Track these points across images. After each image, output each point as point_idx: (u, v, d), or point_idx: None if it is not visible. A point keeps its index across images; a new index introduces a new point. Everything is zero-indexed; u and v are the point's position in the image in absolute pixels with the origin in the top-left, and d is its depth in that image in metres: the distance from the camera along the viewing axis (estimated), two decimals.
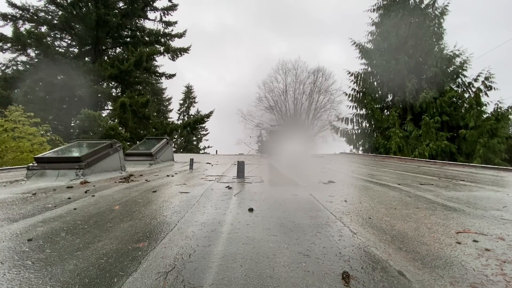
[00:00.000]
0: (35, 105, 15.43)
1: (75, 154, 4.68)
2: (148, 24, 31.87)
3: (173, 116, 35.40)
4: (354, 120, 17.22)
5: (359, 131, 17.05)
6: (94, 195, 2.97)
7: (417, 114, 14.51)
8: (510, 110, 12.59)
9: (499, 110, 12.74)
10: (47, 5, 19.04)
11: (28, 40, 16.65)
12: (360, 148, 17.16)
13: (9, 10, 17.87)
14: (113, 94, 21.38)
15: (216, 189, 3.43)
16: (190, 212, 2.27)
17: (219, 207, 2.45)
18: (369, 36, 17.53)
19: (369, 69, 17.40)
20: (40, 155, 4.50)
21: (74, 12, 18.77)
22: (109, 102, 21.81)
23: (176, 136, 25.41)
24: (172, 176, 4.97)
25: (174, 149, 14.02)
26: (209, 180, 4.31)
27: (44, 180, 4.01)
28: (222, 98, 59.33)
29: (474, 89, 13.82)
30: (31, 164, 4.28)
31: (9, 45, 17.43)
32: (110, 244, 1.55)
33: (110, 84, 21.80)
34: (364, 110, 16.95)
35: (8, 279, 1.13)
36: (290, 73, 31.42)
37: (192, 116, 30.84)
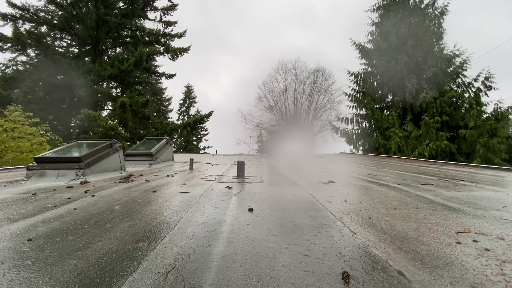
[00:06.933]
0: (35, 105, 15.45)
1: (75, 154, 4.67)
2: (148, 24, 31.83)
3: (173, 116, 35.42)
4: (354, 120, 17.23)
5: (359, 131, 17.05)
6: (94, 195, 2.97)
7: (417, 114, 14.50)
8: (510, 110, 12.60)
9: (499, 110, 12.76)
10: (47, 5, 19.04)
11: (28, 40, 16.64)
12: (360, 148, 17.16)
13: (9, 10, 17.89)
14: (113, 94, 21.35)
15: (216, 189, 3.43)
16: (190, 212, 2.27)
17: (219, 207, 2.45)
18: (369, 36, 17.54)
19: (369, 69, 17.41)
20: (40, 155, 4.50)
21: (74, 12, 18.76)
22: (109, 102, 21.79)
23: (176, 136, 25.36)
24: (172, 176, 4.97)
25: (174, 149, 14.02)
26: (209, 180, 4.31)
27: (44, 180, 4.01)
28: (222, 98, 59.34)
29: (474, 89, 13.83)
30: (31, 164, 4.28)
31: (9, 45, 17.42)
32: (110, 244, 1.54)
33: (110, 84, 21.80)
34: (364, 110, 16.95)
35: (8, 279, 1.13)
36: (290, 73, 31.37)
37: (192, 116, 30.79)
